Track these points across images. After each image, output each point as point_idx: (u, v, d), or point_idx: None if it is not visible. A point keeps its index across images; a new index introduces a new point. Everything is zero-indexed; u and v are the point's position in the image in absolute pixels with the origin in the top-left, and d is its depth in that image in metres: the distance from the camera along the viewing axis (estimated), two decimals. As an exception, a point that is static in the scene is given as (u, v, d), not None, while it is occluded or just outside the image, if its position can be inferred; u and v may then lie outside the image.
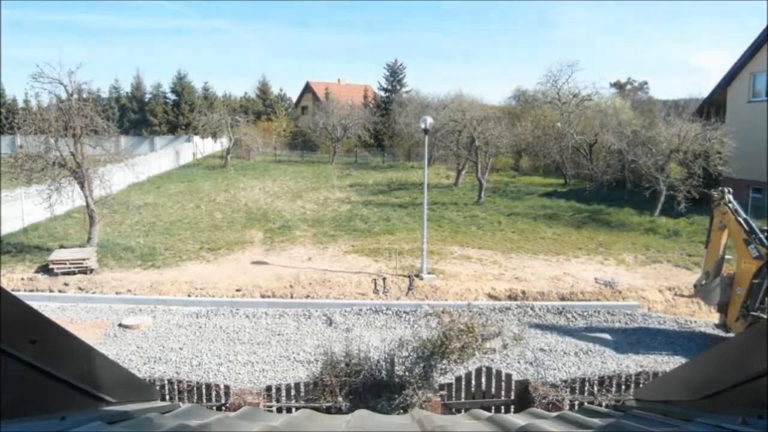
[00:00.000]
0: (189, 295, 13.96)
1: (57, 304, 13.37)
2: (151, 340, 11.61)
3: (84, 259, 15.01)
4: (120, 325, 12.27)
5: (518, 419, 3.09)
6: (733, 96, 25.62)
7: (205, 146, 47.69)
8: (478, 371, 7.78)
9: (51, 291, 14.16)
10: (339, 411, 7.06)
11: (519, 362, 10.37)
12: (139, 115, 50.44)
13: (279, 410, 7.51)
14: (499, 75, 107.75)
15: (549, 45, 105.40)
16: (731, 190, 10.93)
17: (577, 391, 7.69)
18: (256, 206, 24.25)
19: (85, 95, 16.78)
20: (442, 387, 7.66)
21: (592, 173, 27.74)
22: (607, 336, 11.90)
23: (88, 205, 16.71)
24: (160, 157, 37.55)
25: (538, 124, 33.16)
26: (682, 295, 14.14)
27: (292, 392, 7.72)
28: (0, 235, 17.80)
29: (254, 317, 12.79)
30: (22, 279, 14.68)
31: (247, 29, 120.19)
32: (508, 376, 7.84)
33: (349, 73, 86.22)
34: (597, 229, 20.17)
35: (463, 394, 7.74)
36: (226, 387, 7.81)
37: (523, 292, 14.03)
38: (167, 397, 7.36)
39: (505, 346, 8.05)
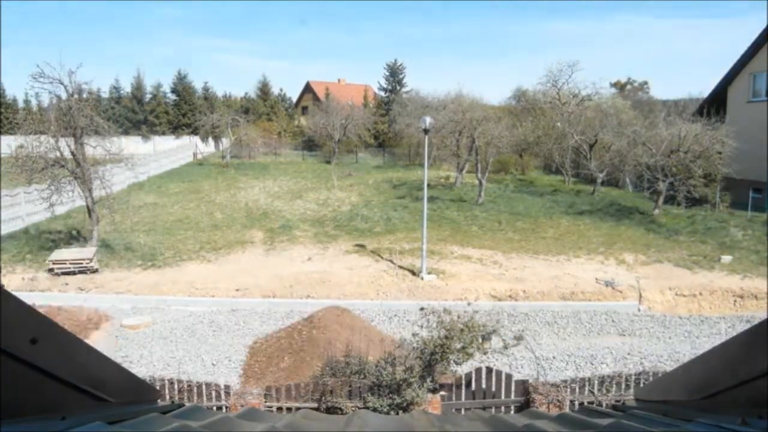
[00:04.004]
0: (189, 295, 13.97)
1: (57, 304, 13.37)
2: (151, 340, 11.62)
3: (84, 259, 15.01)
4: (121, 325, 12.28)
5: (518, 419, 3.09)
6: (733, 96, 25.62)
7: (206, 146, 47.69)
8: (478, 371, 7.78)
9: (51, 291, 14.17)
10: (339, 411, 7.06)
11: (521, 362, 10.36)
12: (140, 115, 50.41)
13: (279, 410, 7.51)
14: (499, 75, 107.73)
15: (549, 45, 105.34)
16: None
17: (577, 391, 7.68)
18: (256, 206, 24.25)
19: (85, 95, 16.79)
20: (442, 387, 7.66)
21: (593, 173, 27.73)
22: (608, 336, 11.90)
23: (88, 206, 16.72)
24: (161, 157, 37.56)
25: (538, 124, 33.16)
26: (683, 295, 14.14)
27: (293, 392, 7.72)
28: (0, 235, 17.81)
29: (254, 317, 12.80)
30: (23, 279, 14.69)
31: (247, 29, 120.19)
32: (509, 376, 7.83)
33: (350, 73, 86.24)
34: (597, 229, 20.16)
35: (463, 394, 7.74)
36: (227, 387, 7.82)
37: (524, 292, 14.03)
38: (168, 397, 7.36)
39: (505, 347, 8.04)
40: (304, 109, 61.67)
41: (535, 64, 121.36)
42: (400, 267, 15.69)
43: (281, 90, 60.46)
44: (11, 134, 28.81)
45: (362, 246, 17.86)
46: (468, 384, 7.75)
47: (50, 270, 14.82)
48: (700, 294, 14.15)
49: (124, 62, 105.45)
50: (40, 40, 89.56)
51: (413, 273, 15.20)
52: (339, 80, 62.85)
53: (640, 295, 13.96)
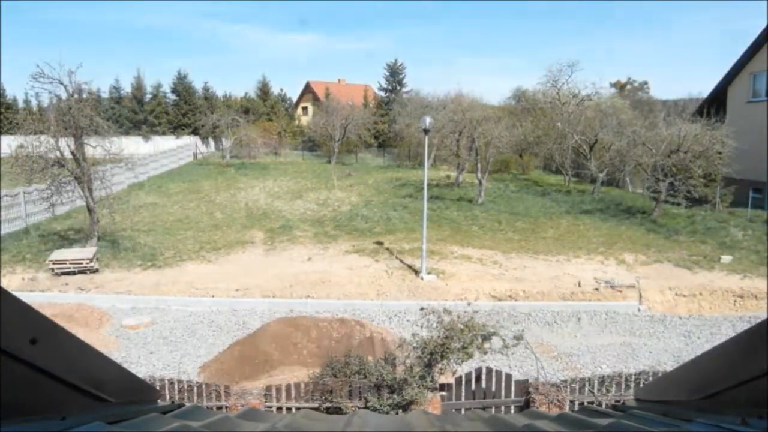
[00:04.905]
0: (189, 295, 13.96)
1: (57, 303, 13.36)
2: (151, 340, 11.62)
3: (84, 260, 15.01)
4: (121, 325, 12.28)
5: (518, 419, 3.09)
6: (733, 96, 25.63)
7: (206, 146, 47.69)
8: (479, 371, 7.78)
9: (51, 291, 14.16)
10: (339, 411, 7.06)
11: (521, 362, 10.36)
12: (140, 116, 50.39)
13: (279, 410, 7.51)
14: (499, 75, 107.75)
15: (549, 45, 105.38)
16: None
17: (577, 391, 7.68)
18: (256, 206, 24.25)
19: (85, 95, 16.80)
20: (442, 387, 7.66)
21: (593, 173, 27.74)
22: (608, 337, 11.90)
23: (88, 206, 16.73)
24: (161, 157, 37.56)
25: (538, 124, 33.18)
26: (683, 295, 14.14)
27: (293, 392, 7.72)
28: (0, 235, 17.81)
29: (254, 317, 12.80)
30: (23, 279, 14.69)
31: (247, 29, 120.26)
32: (509, 376, 7.83)
33: (350, 73, 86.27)
34: (597, 229, 20.16)
35: (463, 394, 7.74)
36: (227, 387, 7.81)
37: (524, 292, 14.03)
38: (168, 397, 7.36)
39: (506, 346, 8.04)
40: (305, 109, 61.72)
41: (535, 64, 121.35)
42: (400, 267, 15.69)
43: (281, 90, 60.55)
44: (11, 134, 28.85)
45: (362, 246, 17.86)
46: (468, 384, 7.76)
47: (50, 270, 14.82)
48: (700, 294, 14.15)
49: (123, 62, 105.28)
50: (40, 40, 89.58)
51: (413, 273, 15.21)
52: (339, 80, 62.87)
53: (640, 295, 13.96)
